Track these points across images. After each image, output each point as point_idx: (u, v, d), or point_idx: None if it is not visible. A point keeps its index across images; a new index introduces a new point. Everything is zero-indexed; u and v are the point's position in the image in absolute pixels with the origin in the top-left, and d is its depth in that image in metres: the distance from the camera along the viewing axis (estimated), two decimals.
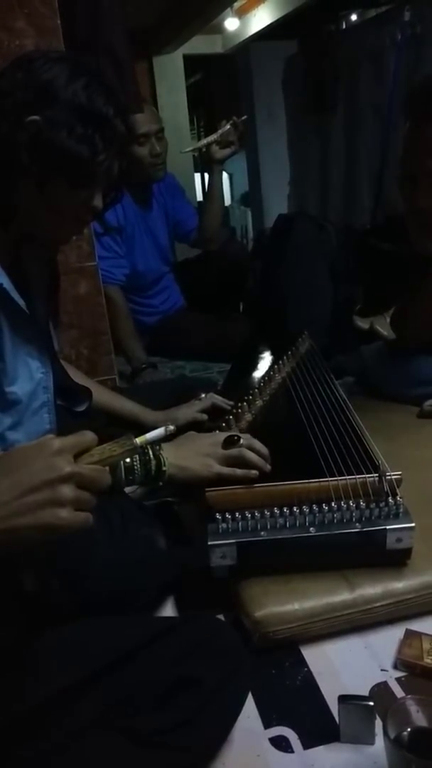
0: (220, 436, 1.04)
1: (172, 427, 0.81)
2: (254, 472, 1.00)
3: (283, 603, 0.90)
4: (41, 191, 0.90)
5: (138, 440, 0.69)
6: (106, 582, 0.86)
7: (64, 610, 0.80)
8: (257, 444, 1.04)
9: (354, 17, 3.61)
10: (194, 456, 1.01)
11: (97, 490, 0.62)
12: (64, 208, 0.93)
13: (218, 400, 1.32)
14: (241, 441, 1.02)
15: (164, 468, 0.97)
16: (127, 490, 1.01)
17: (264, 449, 1.04)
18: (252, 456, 1.01)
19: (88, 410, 1.13)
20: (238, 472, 1.00)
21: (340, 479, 0.99)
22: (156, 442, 0.91)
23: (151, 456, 0.96)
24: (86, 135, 0.88)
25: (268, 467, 1.02)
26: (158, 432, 0.76)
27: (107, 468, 0.64)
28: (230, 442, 1.02)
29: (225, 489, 0.99)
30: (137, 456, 0.95)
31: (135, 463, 0.95)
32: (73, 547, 0.83)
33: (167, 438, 0.85)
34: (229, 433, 1.05)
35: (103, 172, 0.92)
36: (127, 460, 0.93)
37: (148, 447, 0.96)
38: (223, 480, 1.00)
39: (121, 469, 0.94)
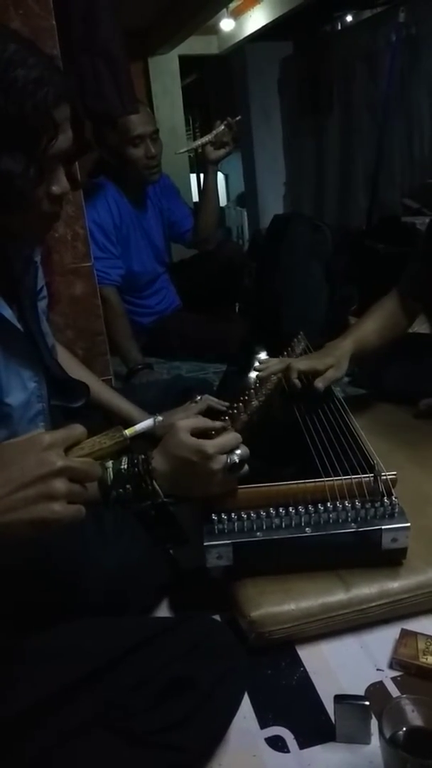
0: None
1: (160, 418, 0.81)
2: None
3: (279, 603, 0.91)
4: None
5: (127, 432, 0.69)
6: (101, 587, 0.85)
7: (58, 614, 0.80)
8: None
9: (349, 18, 3.62)
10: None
11: (89, 482, 0.63)
12: (30, 209, 0.87)
13: (213, 401, 1.32)
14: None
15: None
16: None
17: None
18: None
19: (83, 407, 1.12)
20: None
21: (336, 479, 0.99)
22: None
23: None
24: (12, 147, 0.79)
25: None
26: (147, 423, 0.76)
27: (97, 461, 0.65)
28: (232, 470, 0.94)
29: None
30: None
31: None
32: (67, 552, 0.83)
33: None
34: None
35: (52, 158, 0.84)
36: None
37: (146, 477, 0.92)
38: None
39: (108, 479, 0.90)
